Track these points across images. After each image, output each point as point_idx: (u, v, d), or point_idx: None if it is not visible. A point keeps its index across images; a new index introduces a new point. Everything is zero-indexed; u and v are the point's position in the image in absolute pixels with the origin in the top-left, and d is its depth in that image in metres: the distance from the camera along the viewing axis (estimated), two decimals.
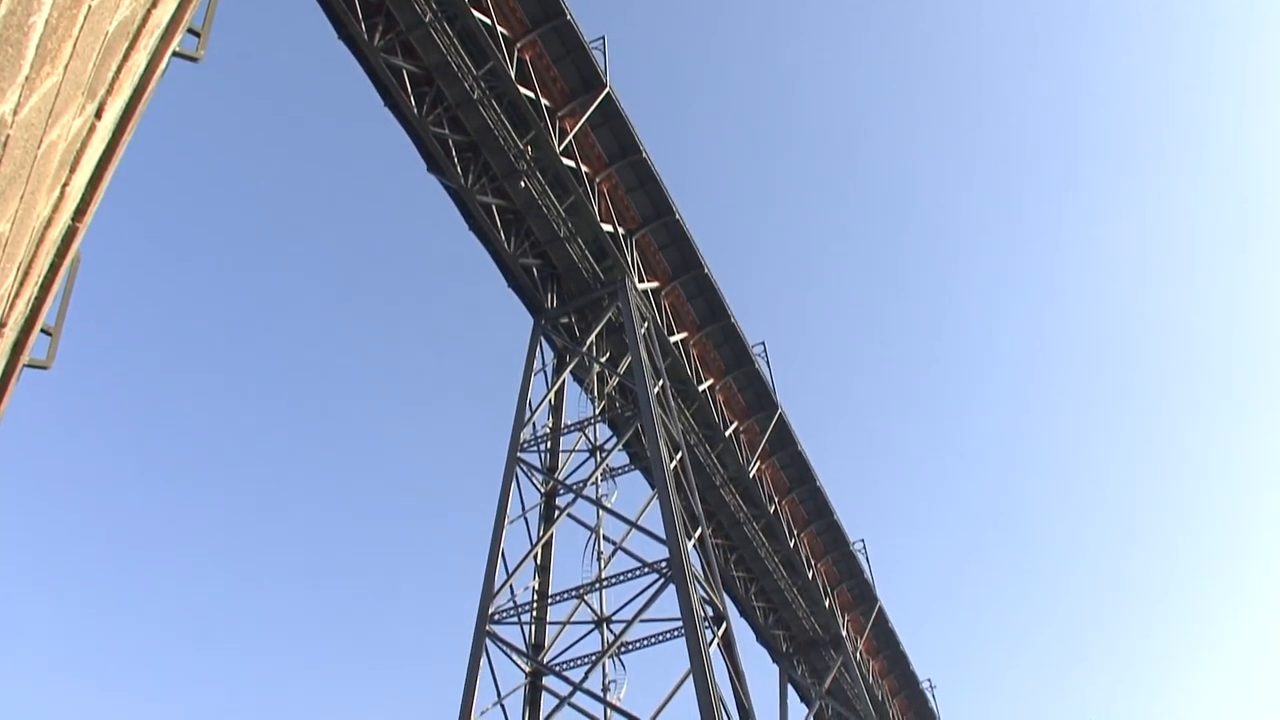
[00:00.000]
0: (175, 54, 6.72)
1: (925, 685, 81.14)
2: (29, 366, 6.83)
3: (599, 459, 38.74)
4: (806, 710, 60.91)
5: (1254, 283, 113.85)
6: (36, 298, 5.74)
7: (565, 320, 39.76)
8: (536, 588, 37.89)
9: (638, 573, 34.73)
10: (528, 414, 37.95)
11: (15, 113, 3.11)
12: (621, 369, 39.17)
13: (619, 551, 36.16)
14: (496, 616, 36.17)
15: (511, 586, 36.66)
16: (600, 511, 37.53)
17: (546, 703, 36.42)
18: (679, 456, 37.03)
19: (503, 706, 35.80)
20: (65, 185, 4.72)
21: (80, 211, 5.56)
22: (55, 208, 4.75)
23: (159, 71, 5.96)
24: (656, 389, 37.52)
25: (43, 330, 7.01)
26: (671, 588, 33.43)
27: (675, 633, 33.43)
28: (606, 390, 40.13)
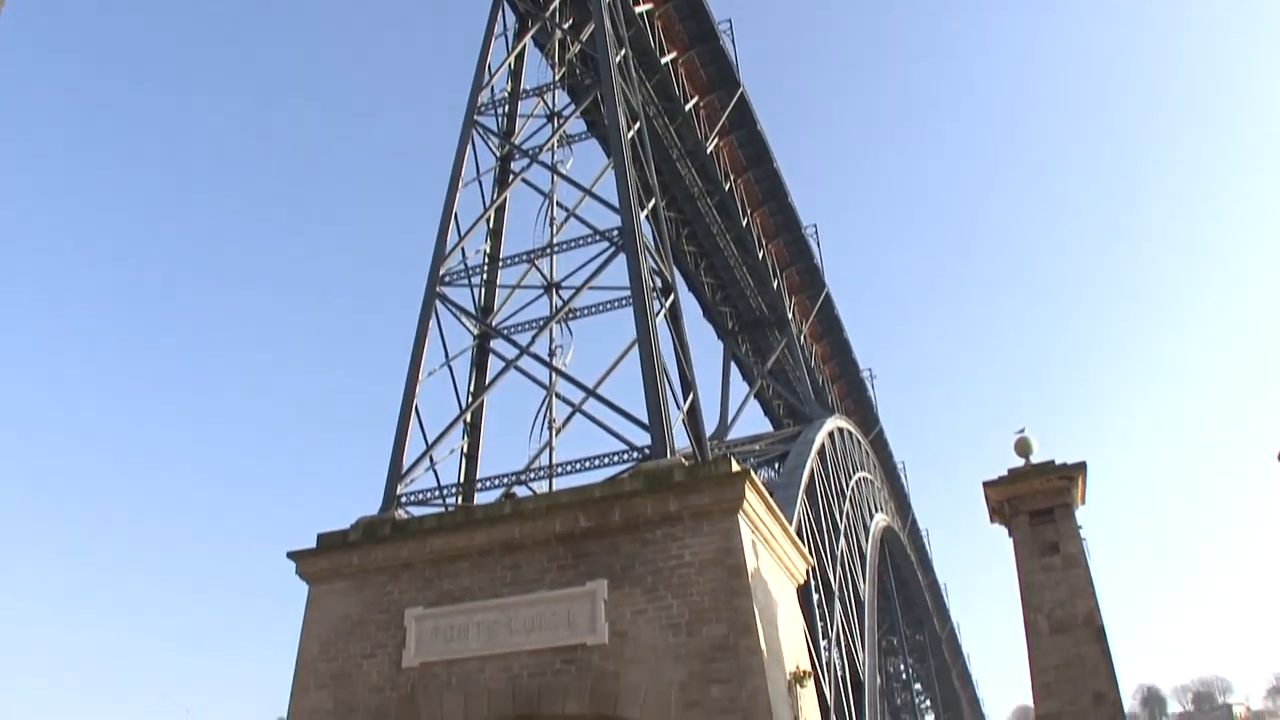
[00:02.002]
0: None
1: (865, 374, 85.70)
2: None
3: (556, 125, 39.57)
4: (748, 388, 64.77)
5: None
6: None
7: None
8: (488, 251, 39.36)
9: (589, 240, 36.37)
10: (486, 77, 38.51)
11: None
12: (584, 36, 39.70)
13: (571, 218, 37.67)
14: (447, 279, 38.10)
15: (463, 249, 38.21)
16: (555, 177, 38.37)
17: (493, 366, 38.78)
18: (637, 127, 37.93)
19: (450, 368, 38.14)
20: None
21: None
22: None
23: None
24: (618, 58, 38.27)
25: None
26: (621, 257, 35.26)
27: (623, 301, 35.52)
28: (567, 57, 40.60)
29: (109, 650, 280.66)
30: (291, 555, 35.82)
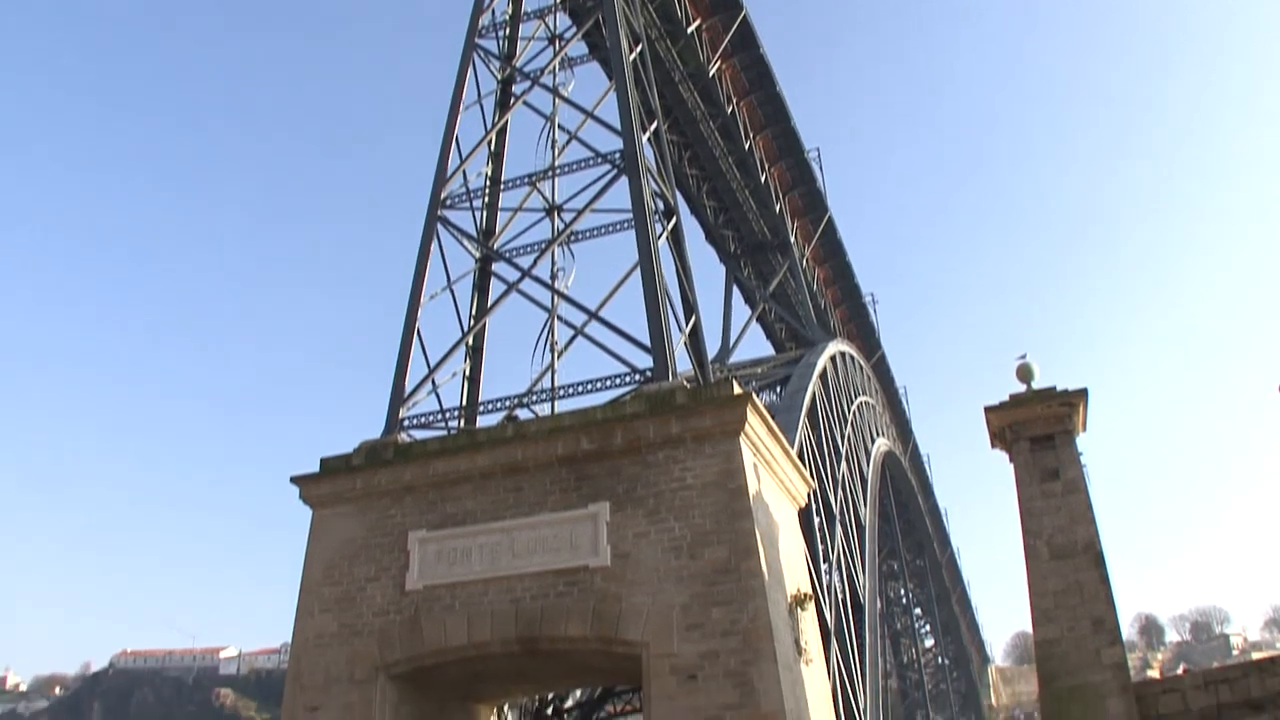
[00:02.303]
0: None
1: (868, 299, 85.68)
2: None
3: (557, 48, 39.36)
4: (750, 312, 64.81)
5: None
6: None
7: None
8: (489, 174, 39.24)
9: (591, 163, 36.28)
10: (486, 0, 38.32)
11: None
12: None
13: (573, 141, 37.56)
14: (448, 202, 38.05)
15: (464, 173, 38.11)
16: (556, 100, 38.29)
17: (495, 289, 38.84)
18: (639, 49, 37.70)
19: (452, 291, 38.19)
20: None
21: None
22: None
23: None
24: None
25: None
26: (623, 180, 35.17)
27: (625, 224, 35.48)
28: None
29: (114, 580, 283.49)
30: (295, 480, 36.08)
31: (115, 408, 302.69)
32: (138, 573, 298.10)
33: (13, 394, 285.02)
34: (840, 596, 51.48)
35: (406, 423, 35.99)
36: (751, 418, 31.03)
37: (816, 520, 48.36)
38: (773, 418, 34.43)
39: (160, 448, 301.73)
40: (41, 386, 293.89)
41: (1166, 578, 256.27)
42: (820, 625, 38.08)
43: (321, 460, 35.67)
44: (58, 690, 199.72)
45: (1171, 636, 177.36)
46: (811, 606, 33.98)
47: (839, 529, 53.67)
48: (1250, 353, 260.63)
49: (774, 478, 33.75)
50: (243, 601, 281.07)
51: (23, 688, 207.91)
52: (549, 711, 50.27)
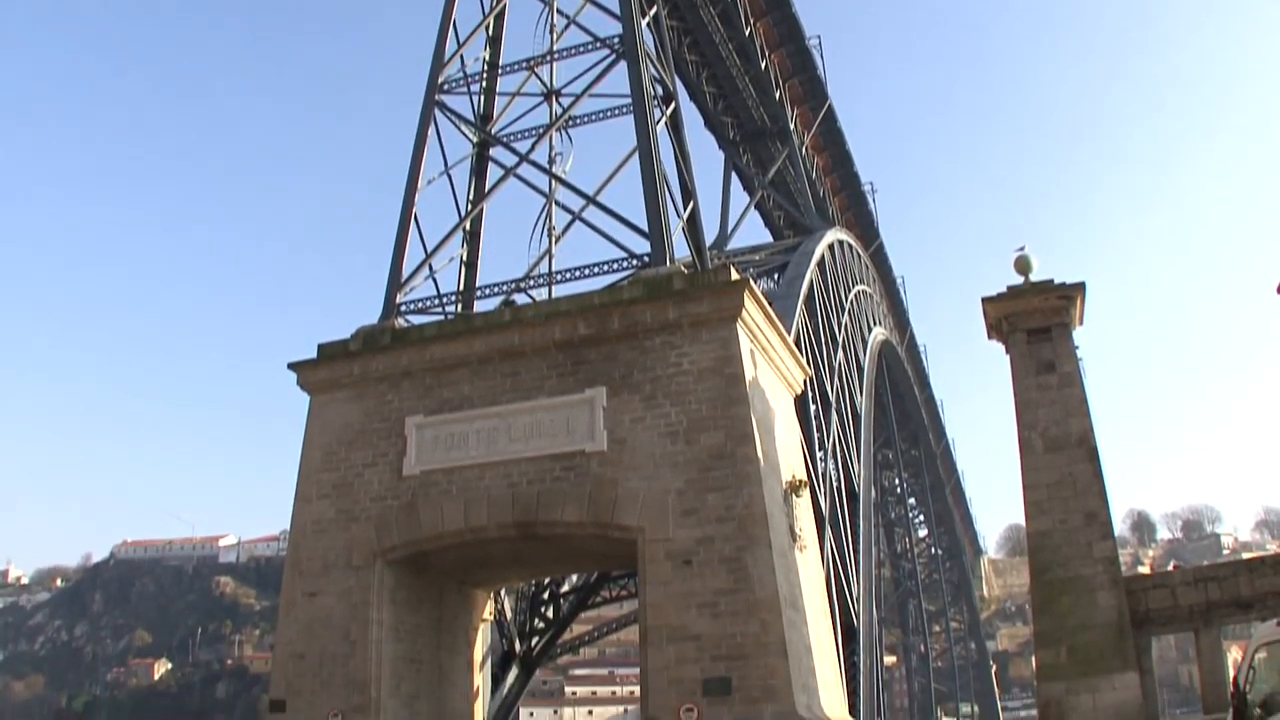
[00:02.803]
0: None
1: (867, 188, 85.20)
2: None
3: None
4: (748, 199, 64.55)
5: None
6: None
7: None
8: (487, 59, 38.86)
9: (590, 47, 35.91)
10: None
11: None
12: None
13: (572, 26, 37.12)
14: (446, 87, 37.69)
15: (462, 57, 37.74)
16: None
17: (493, 174, 38.62)
18: None
19: (449, 176, 37.95)
20: None
21: None
22: None
23: None
24: None
25: None
26: (622, 65, 34.83)
27: (623, 109, 35.18)
28: None
29: (114, 471, 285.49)
30: (292, 366, 36.22)
31: (112, 300, 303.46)
32: (138, 464, 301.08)
33: (10, 286, 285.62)
34: (835, 484, 51.97)
35: (404, 308, 36.03)
36: (749, 304, 31.07)
37: (813, 408, 48.69)
38: (770, 305, 34.48)
39: (158, 339, 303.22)
40: (39, 280, 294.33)
41: (1160, 475, 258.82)
42: (815, 512, 38.50)
43: (319, 346, 35.76)
44: (59, 582, 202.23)
45: (1163, 534, 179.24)
46: (806, 493, 34.34)
47: (835, 417, 54.02)
48: (1252, 253, 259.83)
49: (770, 364, 33.90)
50: (242, 490, 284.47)
51: (24, 580, 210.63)
52: (545, 596, 51.09)
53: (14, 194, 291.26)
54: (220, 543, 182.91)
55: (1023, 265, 30.64)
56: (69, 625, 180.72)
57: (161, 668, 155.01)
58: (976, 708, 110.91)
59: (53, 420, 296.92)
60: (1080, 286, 30.60)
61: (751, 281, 31.72)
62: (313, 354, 35.29)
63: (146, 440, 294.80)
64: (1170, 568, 35.51)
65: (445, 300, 36.65)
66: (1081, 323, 31.37)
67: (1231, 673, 12.48)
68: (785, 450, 33.25)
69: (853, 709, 40.04)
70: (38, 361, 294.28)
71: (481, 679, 39.96)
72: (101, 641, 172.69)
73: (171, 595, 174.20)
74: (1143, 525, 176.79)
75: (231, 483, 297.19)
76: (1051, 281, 30.56)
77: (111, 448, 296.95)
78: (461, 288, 37.87)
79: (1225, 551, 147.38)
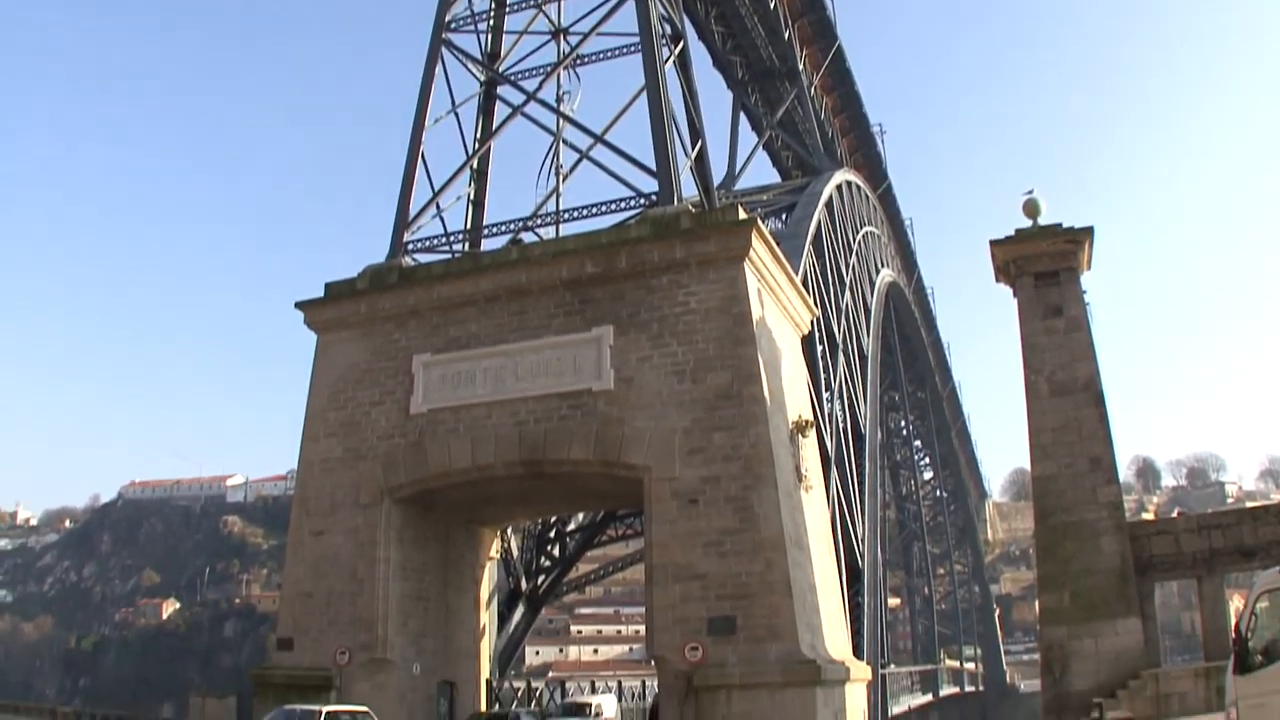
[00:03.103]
0: None
1: (876, 129, 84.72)
2: None
3: None
4: (757, 140, 64.25)
5: None
6: None
7: None
8: None
9: None
10: None
11: None
12: None
13: None
14: (453, 25, 37.50)
15: None
16: None
17: (500, 113, 38.57)
18: None
19: (456, 115, 37.84)
20: None
21: None
22: None
23: None
24: None
25: None
26: (630, 3, 34.67)
27: (632, 48, 35.00)
28: None
29: (122, 412, 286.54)
30: (300, 305, 36.30)
31: (119, 240, 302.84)
32: (146, 404, 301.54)
33: (11, 223, 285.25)
34: (841, 425, 52.13)
35: (411, 247, 36.08)
36: (756, 243, 31.08)
37: (819, 349, 48.70)
38: (777, 245, 34.48)
39: (167, 279, 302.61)
40: (41, 217, 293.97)
41: (1165, 423, 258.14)
42: (821, 453, 38.69)
43: (326, 285, 35.85)
44: (67, 523, 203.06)
45: (1168, 481, 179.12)
46: (813, 434, 34.52)
47: (841, 358, 54.08)
48: (1265, 202, 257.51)
49: (777, 304, 33.96)
50: (250, 430, 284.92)
51: (33, 522, 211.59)
52: (551, 535, 51.48)
53: (14, 124, 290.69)
54: (228, 482, 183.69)
55: (1031, 209, 30.58)
56: (77, 566, 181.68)
57: (170, 607, 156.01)
58: (979, 650, 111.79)
59: (60, 361, 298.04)
60: (1088, 231, 30.55)
61: (759, 221, 31.69)
62: (320, 294, 35.41)
63: (154, 381, 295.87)
64: (1174, 515, 35.65)
65: (452, 239, 36.68)
66: (1089, 268, 31.35)
67: (1233, 620, 12.58)
68: (792, 390, 33.36)
69: (856, 650, 40.43)
70: (44, 301, 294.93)
71: (488, 617, 40.36)
72: (110, 582, 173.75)
73: (179, 535, 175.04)
74: (1147, 472, 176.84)
75: (239, 422, 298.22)
76: (1060, 226, 30.53)
77: (119, 388, 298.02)
78: (469, 226, 37.89)
79: (1229, 500, 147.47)
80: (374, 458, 33.38)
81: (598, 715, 36.25)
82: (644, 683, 46.62)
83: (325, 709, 21.43)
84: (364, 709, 24.57)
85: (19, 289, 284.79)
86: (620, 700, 43.02)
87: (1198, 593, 29.47)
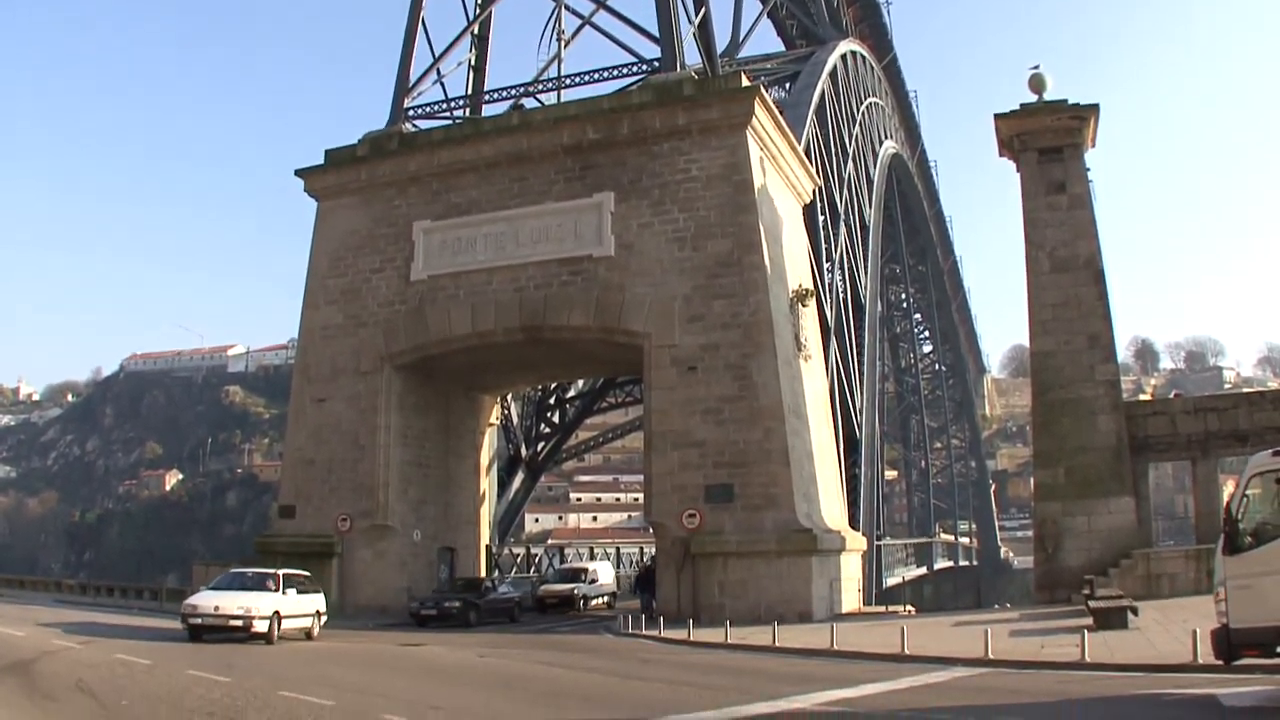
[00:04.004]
0: None
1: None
2: None
3: None
4: (761, 6, 63.20)
5: None
6: None
7: None
8: None
9: None
10: None
11: None
12: None
13: None
14: None
15: None
16: None
17: None
18: None
19: None
20: None
21: None
22: None
23: None
24: None
25: None
26: None
27: None
28: None
29: (122, 284, 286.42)
30: (299, 173, 36.21)
31: (116, 111, 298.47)
32: (146, 277, 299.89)
33: (9, 98, 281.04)
34: (842, 296, 52.23)
35: (411, 113, 35.87)
36: (759, 111, 30.94)
37: (821, 219, 48.59)
38: (780, 113, 34.30)
39: (165, 150, 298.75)
40: (39, 90, 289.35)
41: (1166, 306, 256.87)
42: (821, 323, 38.93)
43: (326, 152, 35.75)
44: (70, 397, 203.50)
45: (1166, 364, 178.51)
46: (813, 303, 34.72)
47: (843, 229, 53.95)
48: (1275, 89, 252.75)
49: (779, 173, 33.89)
50: (250, 300, 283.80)
51: (35, 397, 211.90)
52: (551, 402, 51.97)
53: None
54: (229, 353, 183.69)
55: (1037, 83, 30.43)
56: (80, 440, 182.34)
57: (172, 479, 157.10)
58: (974, 525, 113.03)
59: (59, 234, 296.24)
60: (1094, 108, 30.40)
61: (762, 89, 31.48)
62: (320, 162, 35.34)
63: (154, 252, 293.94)
64: (1171, 397, 35.88)
65: (453, 105, 36.44)
66: (1094, 145, 31.30)
67: (1225, 503, 12.73)
68: (792, 259, 33.46)
69: (852, 521, 41.04)
70: (42, 174, 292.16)
71: (488, 483, 41.02)
72: (113, 455, 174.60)
73: (181, 406, 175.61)
74: (1146, 353, 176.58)
75: (240, 293, 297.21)
76: (1065, 102, 30.42)
77: (120, 261, 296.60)
78: (469, 93, 37.61)
79: (1227, 385, 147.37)
80: (374, 324, 33.64)
81: (593, 582, 37.12)
82: (642, 550, 47.39)
83: (282, 572, 21.87)
84: (307, 575, 25.01)
85: (18, 163, 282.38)
86: (618, 567, 43.85)
87: (1192, 475, 29.93)
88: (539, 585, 37.18)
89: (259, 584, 21.87)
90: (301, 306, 35.34)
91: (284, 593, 21.64)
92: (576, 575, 37.05)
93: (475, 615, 28.93)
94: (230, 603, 20.45)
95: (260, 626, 20.36)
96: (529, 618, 32.22)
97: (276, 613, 20.88)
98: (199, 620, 20.29)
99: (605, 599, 37.28)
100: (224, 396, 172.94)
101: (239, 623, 20.10)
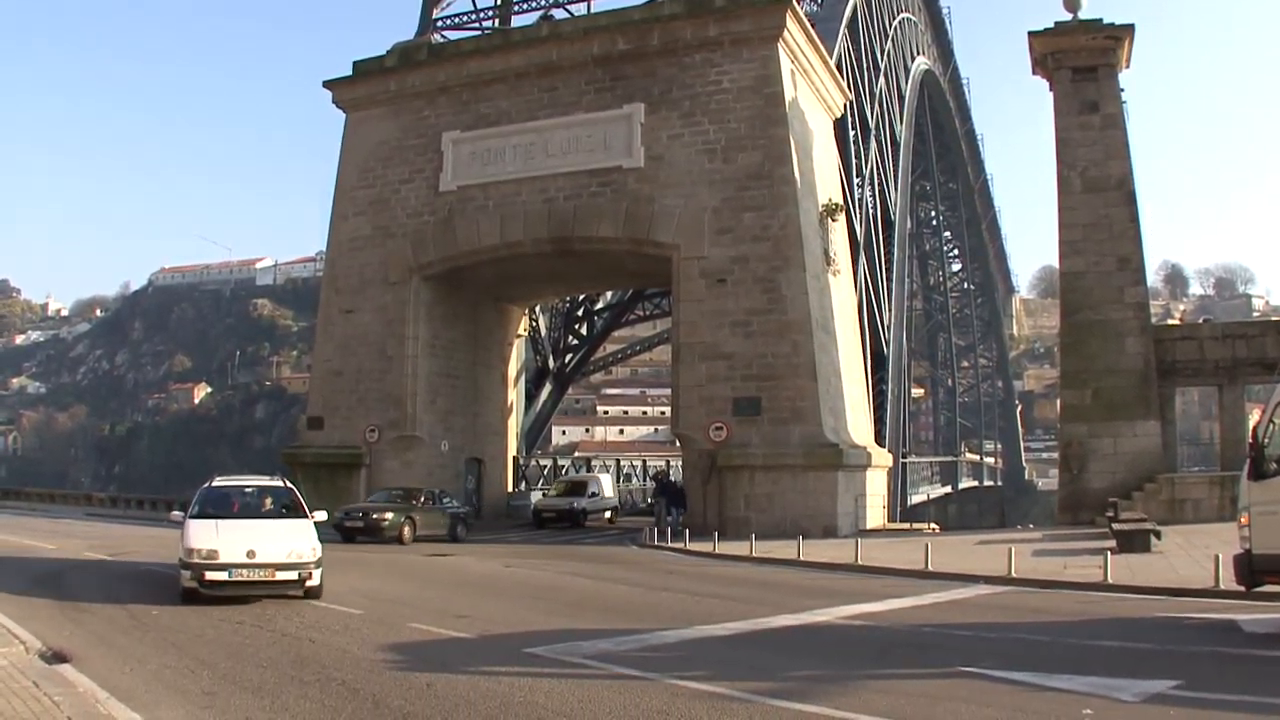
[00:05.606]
0: None
1: None
2: None
3: None
4: None
5: None
6: None
7: None
8: None
9: None
10: None
11: None
12: None
13: None
14: None
15: None
16: None
17: None
18: None
19: None
20: None
21: None
22: None
23: None
24: None
25: None
26: None
27: None
28: None
29: (151, 198, 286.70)
30: (328, 84, 36.16)
31: (144, 25, 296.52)
32: (174, 191, 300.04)
33: (39, 14, 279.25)
34: (871, 212, 51.94)
35: (440, 23, 35.79)
36: (790, 24, 30.69)
37: (851, 134, 48.23)
38: (812, 27, 33.99)
39: (192, 63, 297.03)
40: (65, 6, 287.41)
41: (1197, 231, 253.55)
42: (850, 238, 38.85)
43: (354, 63, 35.64)
44: (99, 312, 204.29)
45: (1195, 289, 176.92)
46: (842, 218, 34.64)
47: (874, 144, 53.53)
48: None
49: (810, 86, 33.65)
50: (278, 212, 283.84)
51: (64, 312, 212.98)
52: (579, 313, 52.13)
53: None
54: (257, 265, 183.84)
55: (1072, 2, 30.11)
56: (109, 354, 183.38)
57: (201, 392, 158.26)
58: (999, 445, 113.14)
59: (86, 149, 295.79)
60: (1129, 28, 30.09)
61: (794, 1, 31.17)
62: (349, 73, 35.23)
63: (182, 166, 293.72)
64: (1200, 322, 35.73)
65: (482, 15, 36.34)
66: (1128, 65, 30.99)
67: (1251, 429, 12.73)
68: (823, 173, 33.34)
69: (878, 437, 41.20)
70: (69, 90, 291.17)
71: (515, 395, 41.36)
72: (142, 369, 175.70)
73: (209, 319, 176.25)
74: (1175, 278, 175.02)
75: (268, 205, 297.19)
76: (1100, 21, 30.13)
77: (147, 175, 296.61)
78: (499, 3, 37.42)
79: (1255, 313, 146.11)
80: (403, 235, 33.77)
81: (593, 495, 36.81)
82: (668, 462, 47.64)
83: (257, 482, 21.66)
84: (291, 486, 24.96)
85: (47, 77, 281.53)
86: (643, 480, 44.06)
87: (1218, 401, 30.04)
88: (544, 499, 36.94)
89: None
90: (330, 218, 35.45)
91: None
92: (579, 488, 36.75)
93: (410, 531, 26.72)
94: None
95: None
96: (521, 534, 31.82)
97: None
98: None
99: (607, 514, 37.01)
100: (252, 309, 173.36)
101: None
